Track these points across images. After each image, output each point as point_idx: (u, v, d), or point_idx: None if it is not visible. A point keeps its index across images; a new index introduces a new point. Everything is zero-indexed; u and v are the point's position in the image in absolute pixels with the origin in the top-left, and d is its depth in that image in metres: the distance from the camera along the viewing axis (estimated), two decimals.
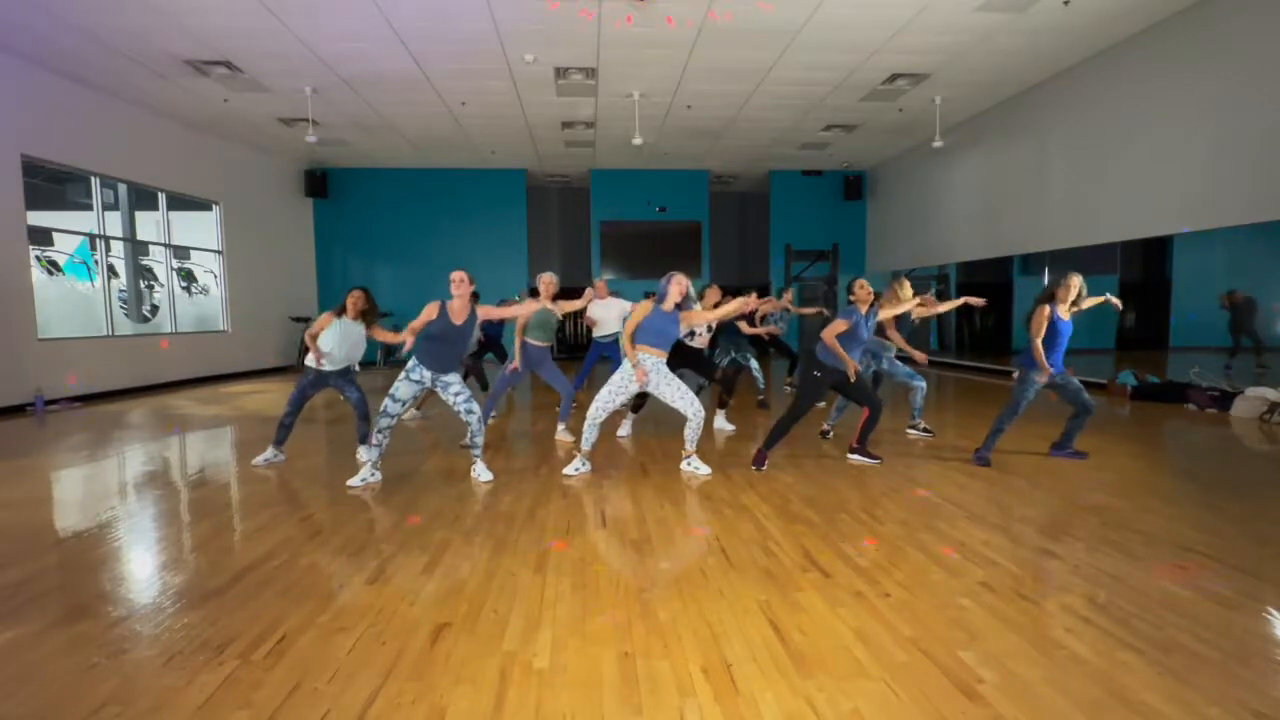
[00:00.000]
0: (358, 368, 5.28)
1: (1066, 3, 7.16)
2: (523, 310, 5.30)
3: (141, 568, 3.25)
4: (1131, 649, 2.30)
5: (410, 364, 4.55)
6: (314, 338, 5.02)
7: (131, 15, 7.14)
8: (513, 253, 15.06)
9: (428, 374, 4.54)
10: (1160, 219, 8.12)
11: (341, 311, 5.14)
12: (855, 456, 5.06)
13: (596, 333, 7.14)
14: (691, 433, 4.78)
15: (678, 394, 4.67)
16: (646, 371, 4.61)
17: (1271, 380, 7.01)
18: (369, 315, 5.16)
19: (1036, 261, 11.38)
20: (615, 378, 4.70)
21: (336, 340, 5.08)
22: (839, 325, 4.83)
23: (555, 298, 5.76)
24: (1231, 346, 8.79)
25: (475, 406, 4.58)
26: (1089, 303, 4.96)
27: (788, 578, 2.95)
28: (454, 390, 4.57)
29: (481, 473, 4.68)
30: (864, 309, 4.94)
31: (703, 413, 4.72)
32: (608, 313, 7.08)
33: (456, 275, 4.53)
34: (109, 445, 6.28)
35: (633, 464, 5.13)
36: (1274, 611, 2.59)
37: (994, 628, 2.46)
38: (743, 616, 2.58)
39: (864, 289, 4.94)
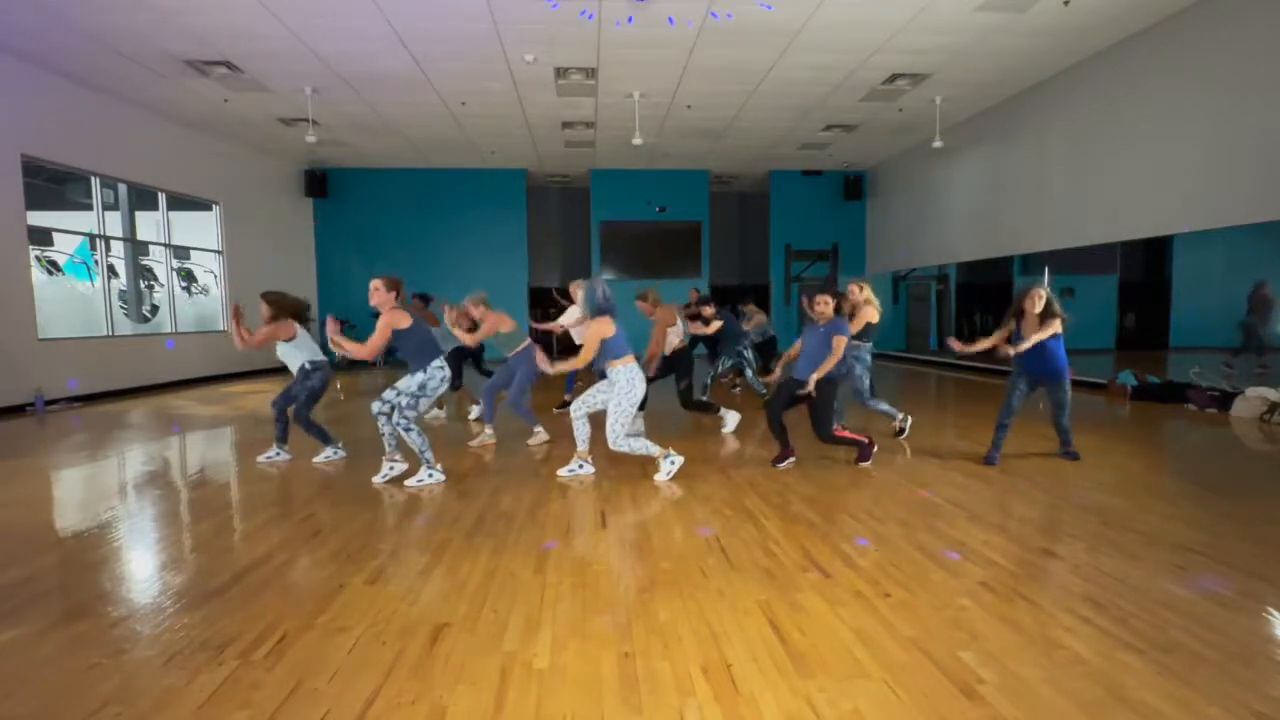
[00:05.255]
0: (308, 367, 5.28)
1: (1067, 3, 7.16)
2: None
3: (141, 568, 3.25)
4: (1131, 649, 2.30)
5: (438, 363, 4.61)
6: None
7: (131, 15, 7.14)
8: (513, 253, 15.08)
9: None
10: (1160, 219, 8.12)
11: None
12: (863, 463, 5.00)
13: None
14: (582, 438, 4.81)
15: (614, 411, 4.58)
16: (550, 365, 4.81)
17: (1272, 380, 7.01)
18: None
19: (1036, 261, 11.39)
20: (614, 399, 4.59)
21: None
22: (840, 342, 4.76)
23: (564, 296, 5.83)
24: (1239, 346, 8.72)
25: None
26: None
27: (788, 578, 2.95)
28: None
29: (384, 474, 4.68)
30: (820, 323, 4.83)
31: (618, 444, 4.58)
32: (572, 318, 6.98)
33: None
34: (109, 445, 6.28)
35: (633, 464, 5.13)
36: (1274, 611, 2.59)
37: (994, 628, 2.46)
38: (743, 616, 2.58)
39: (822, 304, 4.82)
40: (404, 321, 4.49)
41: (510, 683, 2.14)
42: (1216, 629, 2.43)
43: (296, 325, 5.19)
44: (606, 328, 4.57)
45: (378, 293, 4.50)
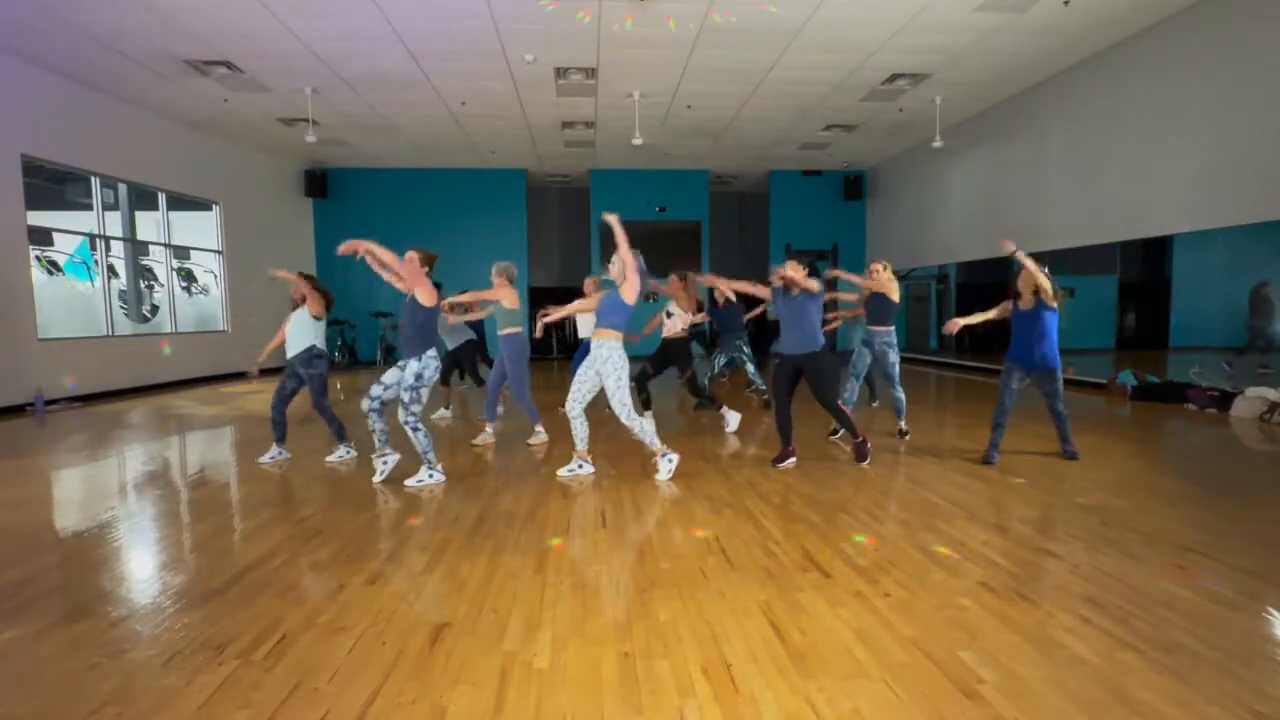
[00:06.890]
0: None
1: (1067, 3, 7.16)
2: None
3: (141, 568, 3.25)
4: (1131, 649, 2.30)
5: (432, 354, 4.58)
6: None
7: (131, 15, 7.13)
8: (513, 253, 15.03)
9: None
10: (1160, 219, 8.12)
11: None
12: (862, 463, 5.00)
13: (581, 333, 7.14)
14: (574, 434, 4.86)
15: (613, 390, 4.60)
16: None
17: (1273, 380, 7.01)
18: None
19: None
20: (608, 379, 4.60)
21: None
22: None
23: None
24: (1244, 346, 8.71)
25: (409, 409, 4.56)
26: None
27: (788, 578, 2.95)
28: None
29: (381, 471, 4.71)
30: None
31: (633, 421, 4.61)
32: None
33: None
34: (109, 445, 6.28)
35: (632, 464, 5.13)
36: (1274, 611, 2.59)
37: (994, 628, 2.46)
38: (743, 616, 2.58)
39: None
40: (430, 297, 4.52)
41: (510, 683, 2.15)
42: (1216, 629, 2.43)
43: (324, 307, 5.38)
44: (631, 294, 4.71)
45: (412, 264, 4.53)
